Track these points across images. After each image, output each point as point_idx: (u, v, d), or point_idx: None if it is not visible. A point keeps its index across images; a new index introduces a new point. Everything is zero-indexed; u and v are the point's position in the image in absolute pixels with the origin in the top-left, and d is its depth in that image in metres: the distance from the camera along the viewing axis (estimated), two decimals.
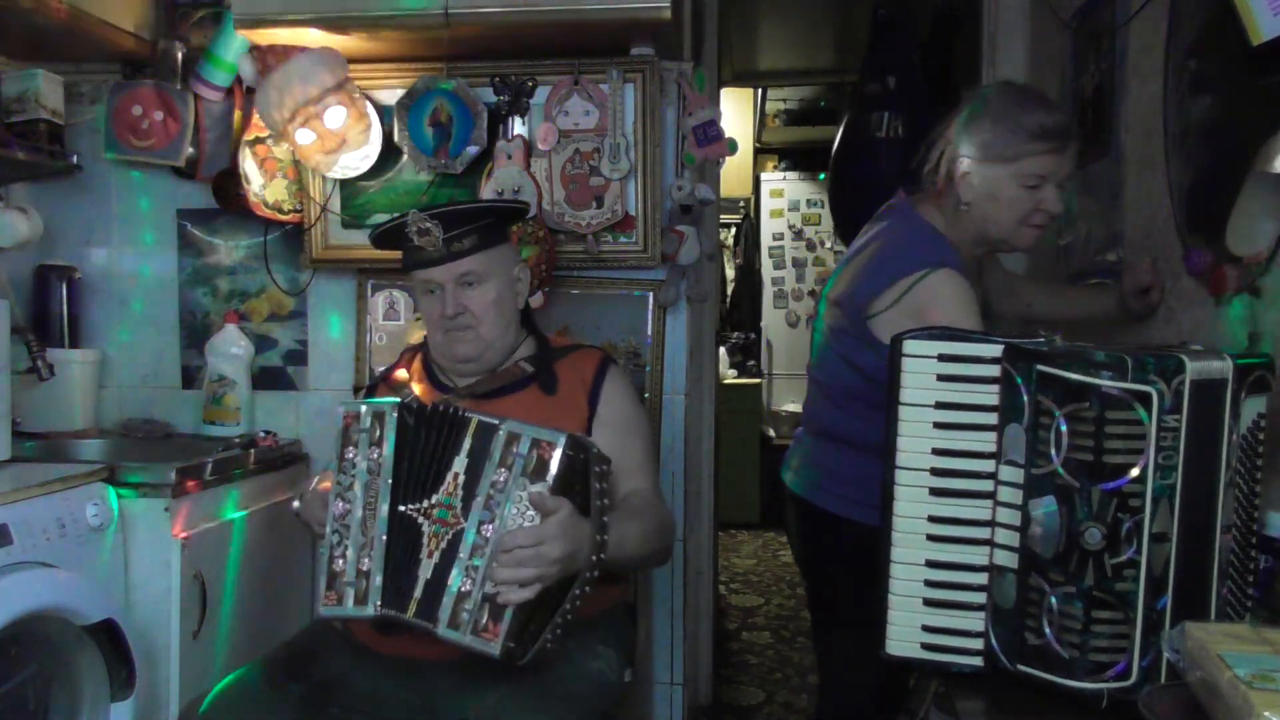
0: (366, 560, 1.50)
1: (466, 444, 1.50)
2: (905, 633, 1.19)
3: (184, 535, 1.97)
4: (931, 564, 1.18)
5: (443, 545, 1.48)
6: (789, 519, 1.94)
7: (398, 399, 1.59)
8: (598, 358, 1.81)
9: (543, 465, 1.45)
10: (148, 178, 2.57)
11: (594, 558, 1.47)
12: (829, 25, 4.56)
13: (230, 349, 2.48)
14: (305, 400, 2.56)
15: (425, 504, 1.51)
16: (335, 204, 2.43)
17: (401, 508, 1.51)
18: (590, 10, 2.07)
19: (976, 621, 1.16)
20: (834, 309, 1.77)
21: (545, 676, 1.52)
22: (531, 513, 1.43)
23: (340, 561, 1.51)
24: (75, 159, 2.44)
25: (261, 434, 2.45)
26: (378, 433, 1.54)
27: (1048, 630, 1.09)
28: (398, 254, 1.77)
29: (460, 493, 1.49)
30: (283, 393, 2.56)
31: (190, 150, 2.46)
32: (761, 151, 6.67)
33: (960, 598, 1.17)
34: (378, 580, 1.49)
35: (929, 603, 1.18)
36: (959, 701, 1.14)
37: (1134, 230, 1.91)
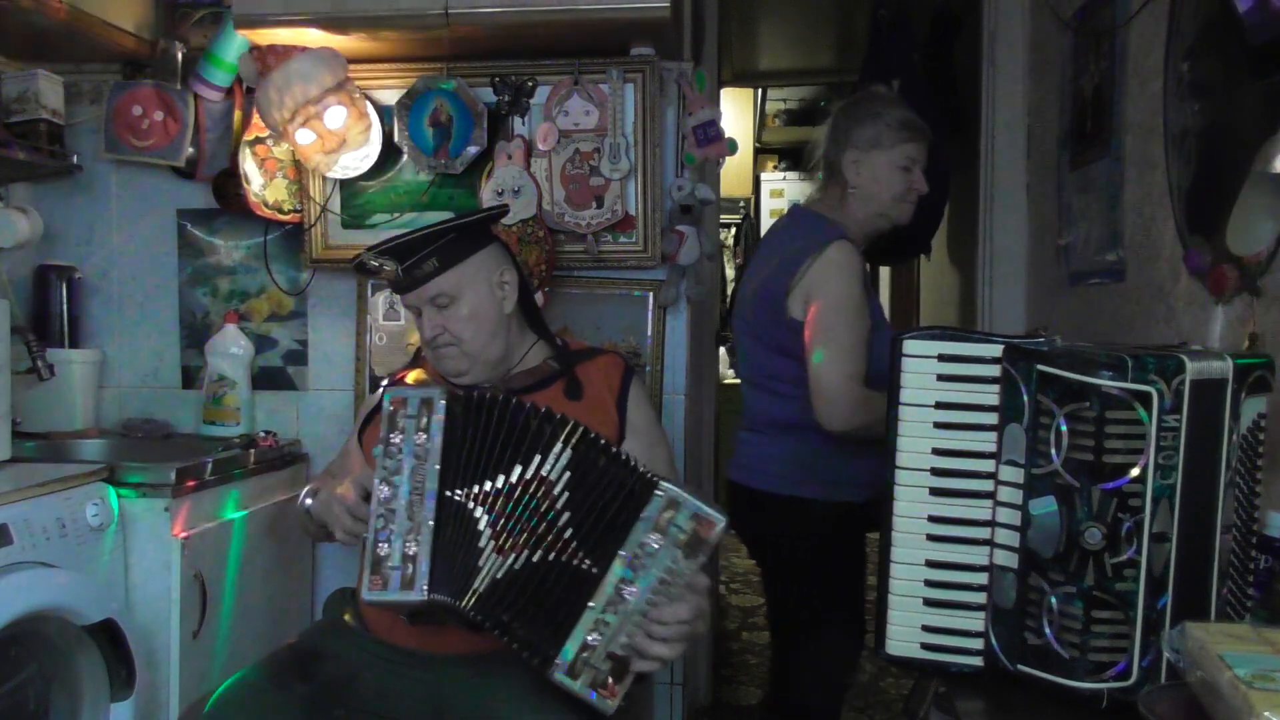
0: (413, 545, 1.47)
1: (564, 452, 1.47)
2: (905, 633, 1.19)
3: (184, 535, 1.97)
4: (931, 564, 1.18)
5: (530, 556, 1.45)
6: (744, 517, 2.04)
7: (439, 388, 1.57)
8: (622, 365, 1.83)
9: (698, 543, 1.42)
10: (148, 178, 2.57)
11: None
12: (829, 25, 4.56)
13: (230, 349, 2.48)
14: (305, 400, 2.55)
15: (477, 490, 1.48)
16: (335, 204, 2.43)
17: (448, 492, 1.49)
18: (590, 10, 2.07)
19: (976, 621, 1.16)
20: (753, 312, 2.02)
21: None
22: (678, 588, 1.42)
23: (385, 546, 1.47)
24: (75, 159, 2.44)
25: (261, 434, 2.45)
26: (425, 419, 1.51)
27: (1048, 630, 1.09)
28: None
29: (566, 512, 1.45)
30: (283, 393, 2.56)
31: (190, 150, 2.46)
32: (761, 151, 6.67)
33: (960, 598, 1.17)
34: (424, 565, 1.46)
35: (929, 603, 1.18)
36: (959, 701, 1.14)
37: (1134, 230, 1.91)
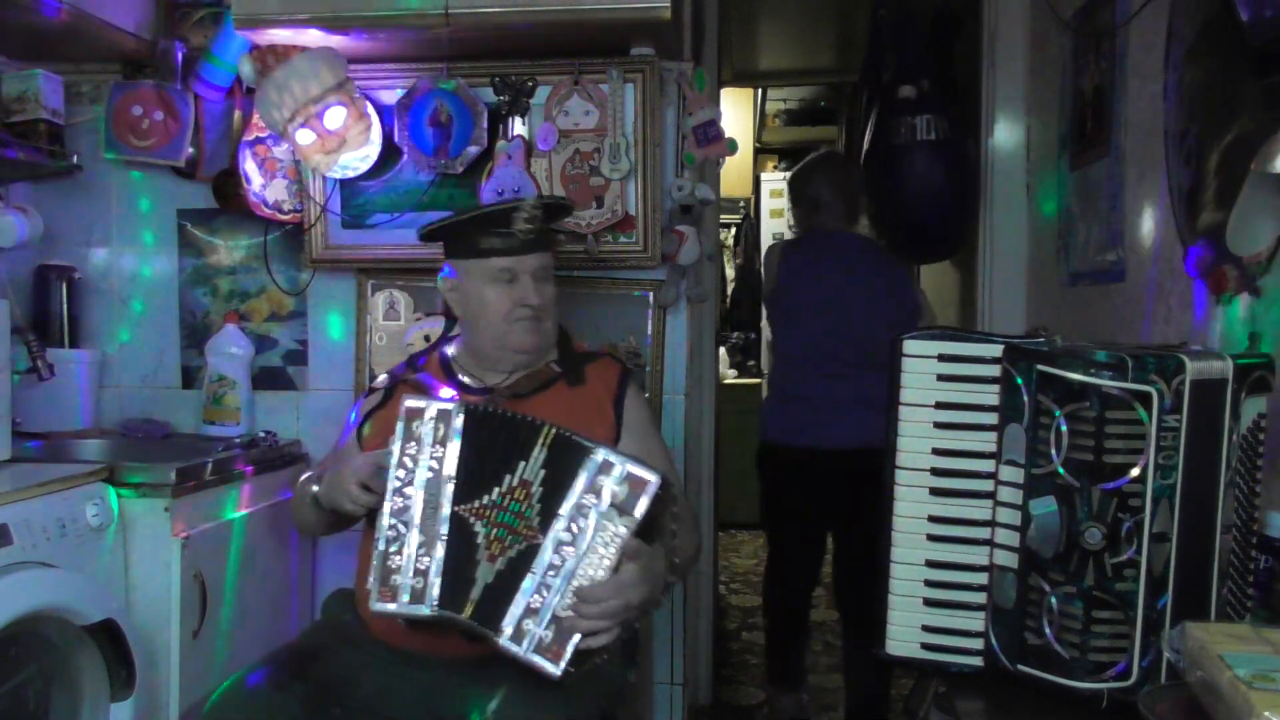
0: (425, 559, 1.48)
1: (540, 454, 1.49)
2: (905, 633, 1.19)
3: (184, 535, 1.97)
4: (931, 564, 1.18)
5: (510, 554, 1.47)
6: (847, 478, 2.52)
7: (453, 398, 1.58)
8: (619, 368, 1.88)
9: (633, 501, 1.44)
10: (148, 178, 2.56)
11: (661, 593, 1.52)
12: (829, 25, 4.56)
13: (230, 349, 2.48)
14: (305, 400, 2.55)
15: (477, 504, 1.49)
16: (335, 204, 2.42)
17: (458, 508, 1.50)
18: (590, 10, 2.07)
19: (976, 621, 1.16)
20: (884, 307, 2.67)
21: None
22: (614, 548, 1.43)
23: (397, 559, 1.48)
24: (75, 159, 2.43)
25: (261, 434, 2.45)
26: (441, 431, 1.51)
27: (1048, 630, 1.09)
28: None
29: (538, 505, 1.47)
30: (283, 393, 2.56)
31: (190, 150, 2.46)
32: (761, 151, 6.66)
33: (960, 598, 1.17)
34: (435, 580, 1.47)
35: (929, 603, 1.18)
36: (959, 701, 1.14)
37: (1134, 230, 1.91)
